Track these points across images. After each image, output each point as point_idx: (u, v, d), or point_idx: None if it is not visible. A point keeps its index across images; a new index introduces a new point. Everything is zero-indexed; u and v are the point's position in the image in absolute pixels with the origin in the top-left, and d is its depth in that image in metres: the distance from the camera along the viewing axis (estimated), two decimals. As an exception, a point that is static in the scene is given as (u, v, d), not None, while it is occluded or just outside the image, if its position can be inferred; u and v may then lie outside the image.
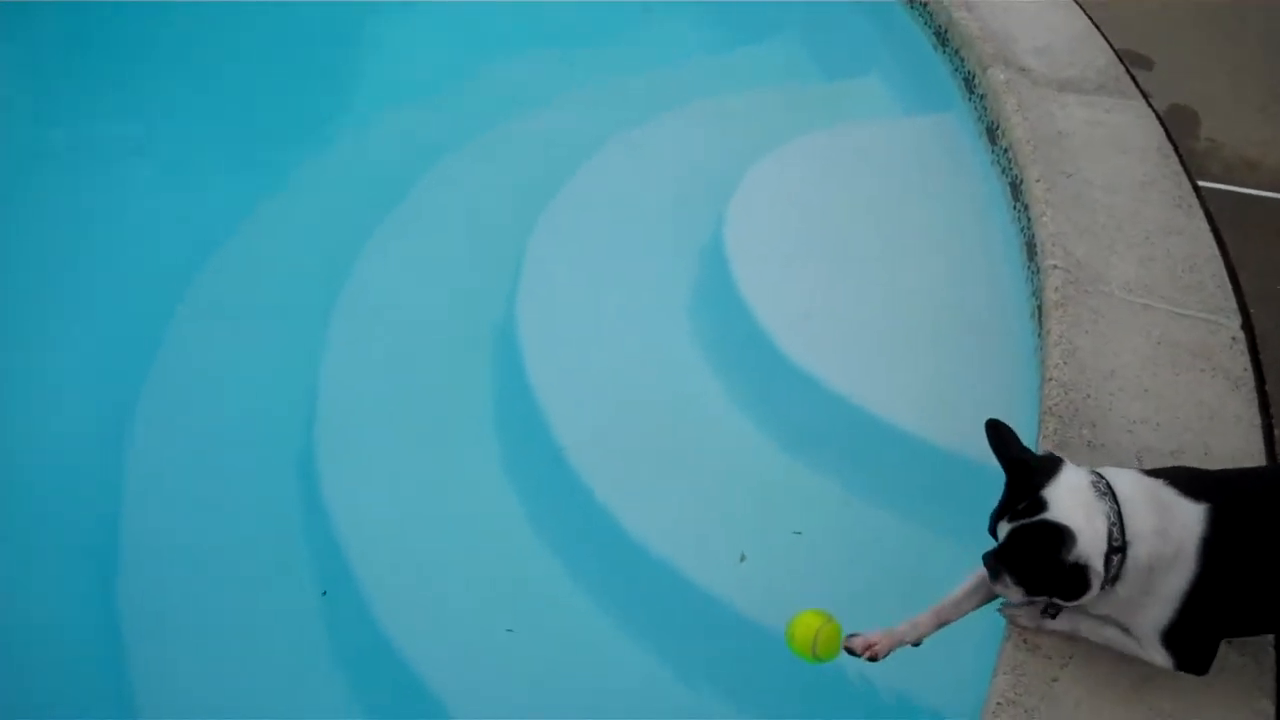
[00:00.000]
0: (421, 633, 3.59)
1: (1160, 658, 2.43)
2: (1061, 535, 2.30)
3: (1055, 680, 2.61)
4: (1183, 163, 4.59)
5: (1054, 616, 2.63)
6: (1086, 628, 2.56)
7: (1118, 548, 2.31)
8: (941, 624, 2.65)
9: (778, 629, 3.20)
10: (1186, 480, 2.42)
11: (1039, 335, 3.84)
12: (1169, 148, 4.67)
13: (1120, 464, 3.11)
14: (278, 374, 4.56)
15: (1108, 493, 2.36)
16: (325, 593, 3.76)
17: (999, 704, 2.55)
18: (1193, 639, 2.39)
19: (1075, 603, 2.43)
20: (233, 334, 4.74)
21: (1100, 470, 2.45)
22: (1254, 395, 3.47)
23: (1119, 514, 2.33)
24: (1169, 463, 3.17)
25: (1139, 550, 2.31)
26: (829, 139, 5.34)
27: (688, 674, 3.48)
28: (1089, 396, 3.40)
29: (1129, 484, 2.40)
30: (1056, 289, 3.81)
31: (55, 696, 3.46)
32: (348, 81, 6.55)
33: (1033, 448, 3.22)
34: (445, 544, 3.91)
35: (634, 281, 4.78)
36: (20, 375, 4.54)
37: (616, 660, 3.54)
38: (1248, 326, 3.75)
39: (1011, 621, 2.62)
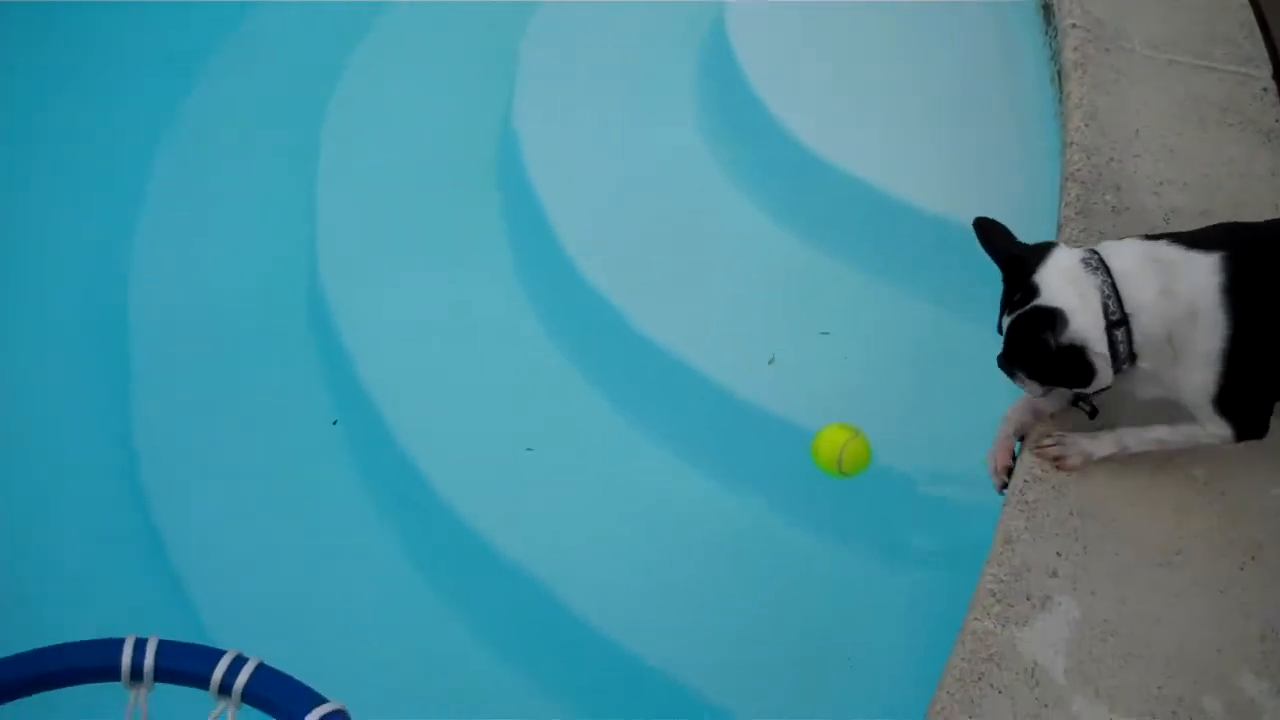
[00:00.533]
0: (440, 453, 3.52)
1: (1218, 430, 2.29)
2: (1052, 318, 2.21)
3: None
4: (1207, -93, 4.34)
5: (1090, 412, 2.53)
6: (1132, 439, 2.41)
7: (1117, 321, 2.21)
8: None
9: (808, 429, 3.17)
10: (1206, 234, 2.32)
11: (1059, 100, 3.66)
12: (1191, -109, 4.41)
13: (1150, 228, 3.00)
14: (274, 196, 4.45)
15: (1100, 267, 2.24)
16: (336, 422, 3.70)
17: (1026, 481, 2.48)
18: (1248, 398, 2.27)
19: (1091, 388, 2.31)
20: (223, 160, 4.61)
21: (1101, 246, 2.33)
22: (1287, 147, 3.32)
23: (1113, 286, 2.22)
24: (1198, 223, 3.02)
25: (1145, 319, 2.21)
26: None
27: (711, 468, 3.43)
28: (1112, 160, 3.25)
29: (1125, 253, 2.28)
30: (1075, 49, 3.63)
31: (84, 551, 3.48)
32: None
33: (1055, 215, 3.13)
34: (459, 359, 3.84)
35: (634, 76, 4.59)
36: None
37: (641, 465, 3.48)
38: (1278, 76, 3.56)
39: (1059, 462, 2.46)
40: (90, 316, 4.09)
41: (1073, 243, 2.95)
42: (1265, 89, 3.50)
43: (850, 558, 3.14)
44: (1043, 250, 2.34)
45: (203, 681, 1.71)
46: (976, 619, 2.27)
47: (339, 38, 5.03)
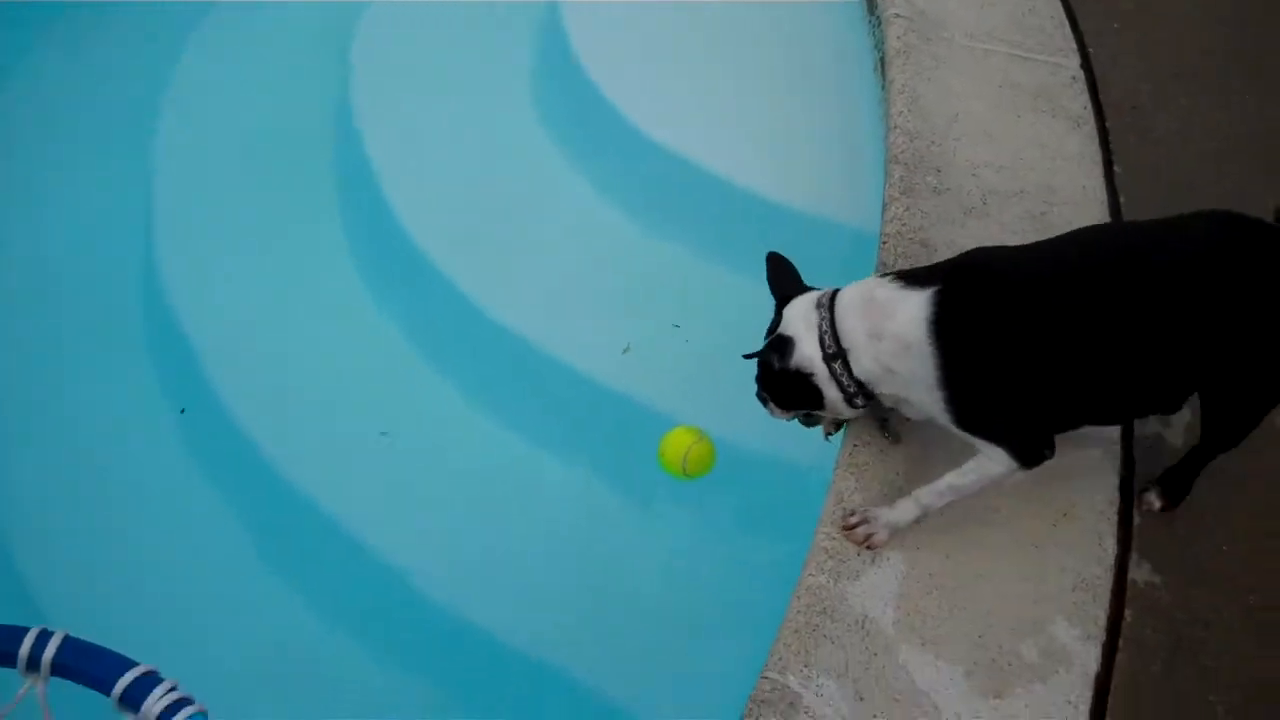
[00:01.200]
0: (288, 440, 3.46)
1: (997, 456, 2.28)
2: (781, 344, 2.39)
3: (908, 420, 2.64)
4: (1020, -94, 4.53)
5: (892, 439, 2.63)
6: (929, 497, 2.39)
7: (833, 354, 2.34)
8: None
9: (645, 404, 3.23)
10: (941, 266, 2.39)
11: (882, 86, 3.78)
12: (1005, -109, 4.60)
13: (967, 209, 3.15)
14: (108, 194, 4.29)
15: (827, 306, 2.37)
16: (183, 410, 3.60)
17: (855, 445, 2.59)
18: (996, 419, 2.29)
19: (822, 411, 2.48)
20: (56, 153, 4.46)
21: (844, 288, 2.42)
22: (1094, 133, 3.50)
23: (832, 323, 2.35)
24: (1013, 204, 3.19)
25: (860, 354, 2.32)
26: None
27: (553, 446, 3.45)
28: (933, 144, 3.38)
29: (849, 294, 2.38)
30: (899, 37, 3.76)
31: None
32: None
33: (880, 197, 3.25)
34: (303, 346, 3.77)
35: (470, 61, 4.59)
36: None
37: (486, 445, 3.48)
38: (1087, 66, 3.76)
39: (866, 542, 2.43)
40: None
41: (896, 220, 3.09)
42: (1074, 77, 3.68)
43: (694, 527, 3.20)
44: (801, 290, 2.50)
45: (10, 660, 1.67)
46: (811, 575, 2.36)
47: (175, 30, 4.92)
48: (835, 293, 2.40)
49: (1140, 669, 2.34)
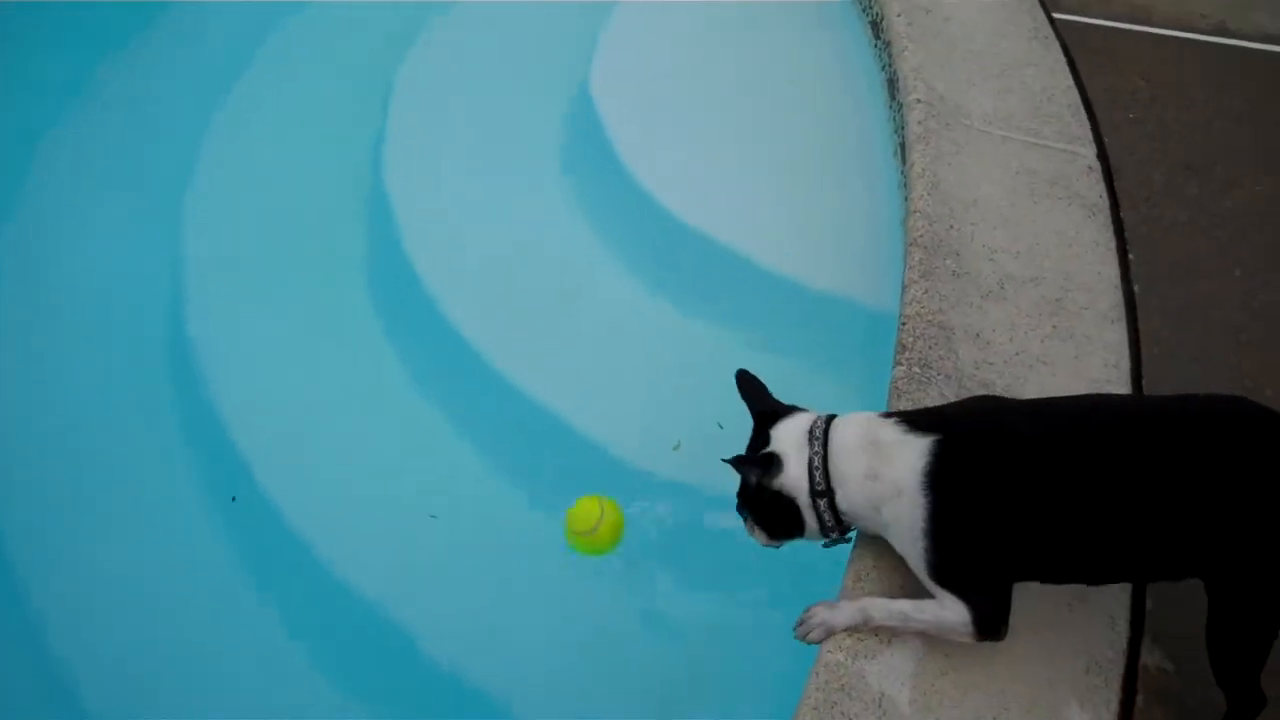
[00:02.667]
0: (323, 519, 3.52)
1: (956, 611, 2.27)
2: (769, 462, 2.39)
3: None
4: (1038, -4, 4.67)
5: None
6: (877, 611, 2.40)
7: (821, 491, 2.35)
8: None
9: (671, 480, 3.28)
10: (943, 412, 2.44)
11: (902, 170, 3.87)
12: (1025, -19, 4.72)
13: (984, 293, 3.22)
14: (139, 251, 4.40)
15: (820, 438, 2.38)
16: (234, 498, 3.61)
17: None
18: (968, 580, 2.28)
19: (805, 538, 2.48)
20: (89, 208, 4.56)
21: (839, 419, 2.43)
22: (1109, 221, 3.57)
23: (824, 460, 2.35)
24: (1029, 290, 3.26)
25: (850, 492, 2.34)
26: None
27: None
28: (952, 227, 3.46)
29: (848, 431, 2.38)
30: (919, 123, 3.85)
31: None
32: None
33: (900, 280, 3.32)
34: (327, 411, 3.86)
35: (501, 131, 4.71)
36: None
37: (511, 516, 3.53)
38: (1103, 155, 3.84)
39: (804, 639, 2.47)
40: None
41: (915, 302, 3.15)
42: (1090, 166, 3.77)
43: (709, 600, 3.24)
44: (787, 410, 2.52)
45: None
46: (829, 651, 2.40)
47: (210, 87, 5.03)
48: (829, 421, 2.41)
49: (1151, 753, 2.38)
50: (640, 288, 4.04)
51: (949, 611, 2.28)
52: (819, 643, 2.46)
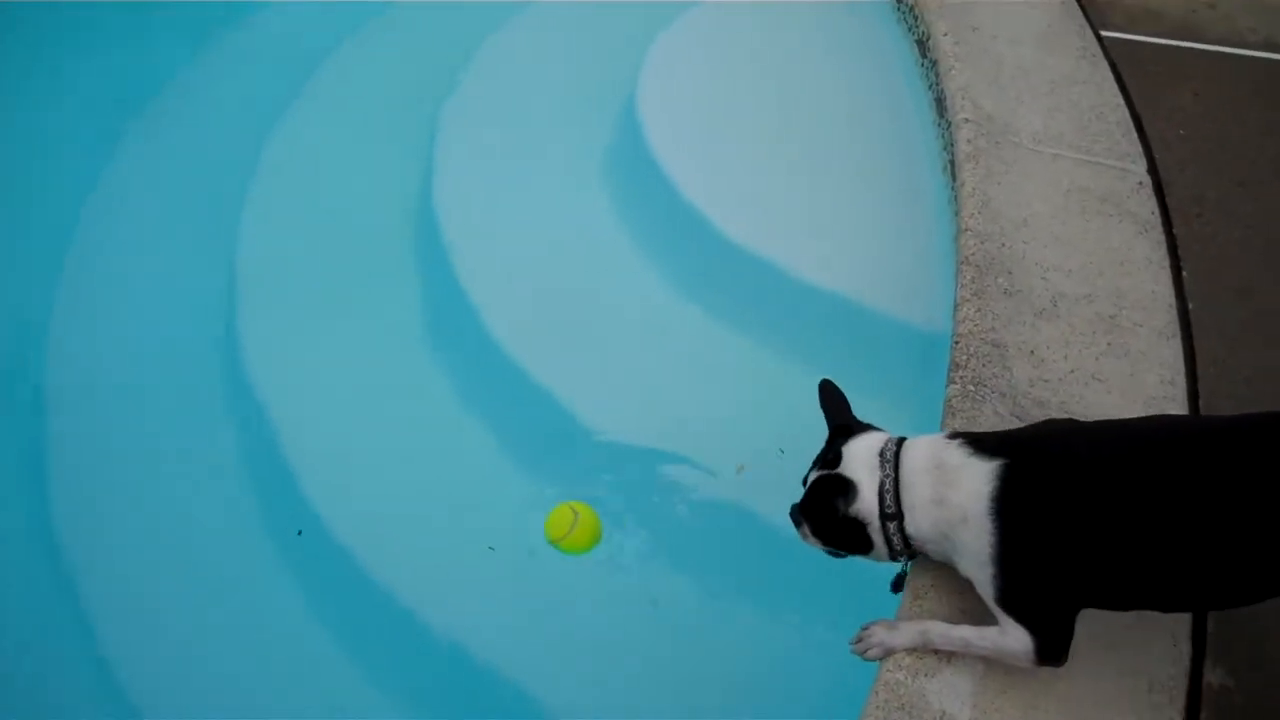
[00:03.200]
0: (366, 532, 3.57)
1: (1019, 636, 2.26)
2: (845, 487, 2.37)
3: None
4: (1086, 14, 4.65)
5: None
6: (938, 635, 2.42)
7: (891, 514, 2.34)
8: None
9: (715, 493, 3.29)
10: (1012, 436, 2.38)
11: (952, 188, 3.88)
12: (1072, 0, 4.72)
13: (1038, 310, 3.21)
14: (193, 273, 4.47)
15: (891, 460, 2.37)
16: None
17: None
18: (1034, 606, 2.26)
19: (869, 557, 2.47)
20: (144, 234, 4.64)
21: (909, 441, 2.42)
22: (1162, 237, 3.56)
23: (895, 483, 2.35)
24: (1082, 307, 3.25)
25: (919, 517, 2.33)
26: (732, 5, 5.29)
27: (630, 531, 3.53)
28: (1004, 245, 3.46)
29: (917, 454, 2.37)
30: (968, 141, 3.86)
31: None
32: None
33: (952, 298, 3.32)
34: (372, 423, 3.89)
35: (549, 147, 4.76)
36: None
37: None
38: (1153, 171, 3.83)
39: (862, 655, 2.50)
40: (6, 378, 4.08)
41: (968, 321, 3.15)
42: (1141, 183, 3.76)
43: (766, 617, 3.25)
44: (861, 428, 2.51)
45: None
46: (889, 671, 2.40)
47: (263, 113, 5.10)
48: (900, 444, 2.40)
49: (1216, 773, 2.36)
50: (691, 305, 4.08)
51: (1010, 639, 2.27)
52: (876, 660, 2.46)
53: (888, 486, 2.34)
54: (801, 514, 2.51)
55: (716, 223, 4.11)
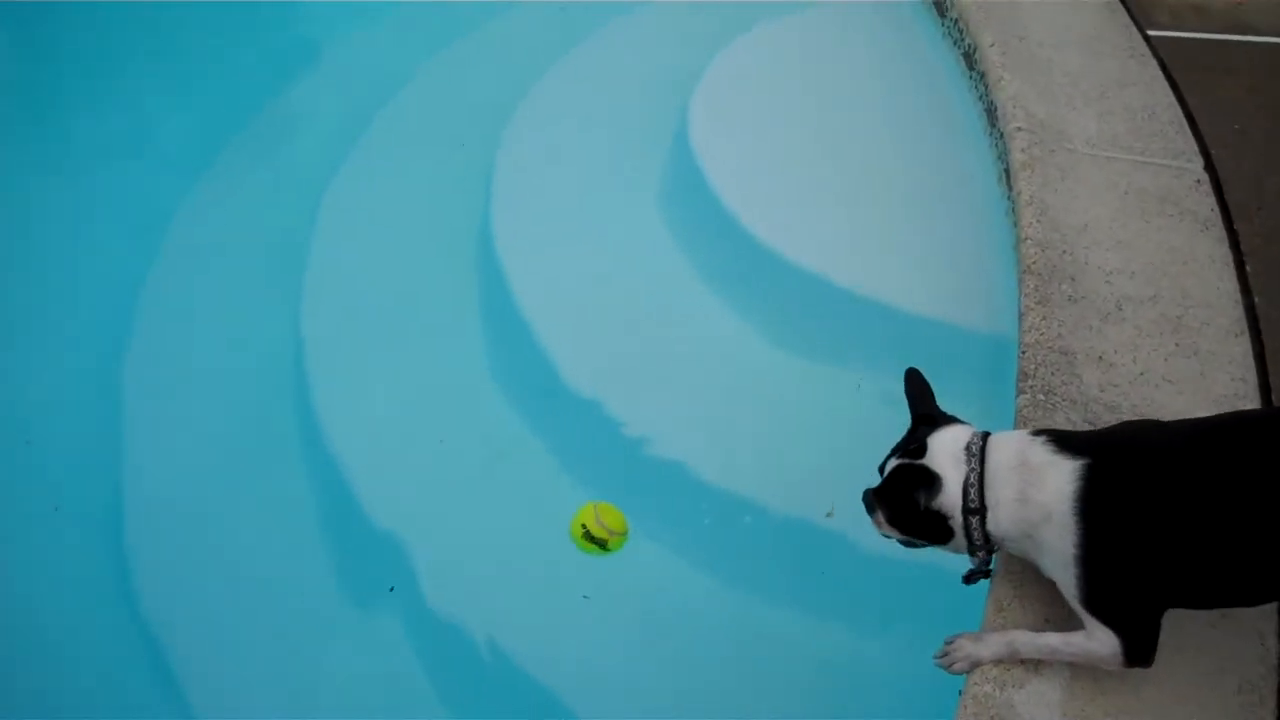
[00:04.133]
0: (425, 543, 3.64)
1: (1106, 640, 2.25)
2: (929, 481, 2.37)
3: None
4: (1131, 14, 4.65)
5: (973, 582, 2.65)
6: (1024, 644, 2.42)
7: (974, 509, 2.34)
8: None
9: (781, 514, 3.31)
10: (1097, 436, 2.38)
11: (1009, 197, 3.89)
12: (1116, 1, 4.71)
13: (1103, 315, 3.22)
14: (260, 314, 4.56)
15: (977, 455, 2.36)
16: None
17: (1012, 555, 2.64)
18: (1120, 607, 2.25)
19: (946, 549, 2.47)
20: (212, 276, 4.74)
21: (995, 435, 2.42)
22: (1223, 234, 3.55)
23: (980, 478, 2.34)
24: (1148, 309, 3.25)
25: (1002, 515, 2.32)
26: (783, 28, 5.35)
27: (696, 558, 3.55)
28: (1065, 252, 3.47)
29: (1003, 449, 2.36)
30: (1023, 150, 3.87)
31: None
32: (301, 14, 6.49)
33: (1015, 308, 3.33)
34: (436, 449, 3.96)
35: (605, 182, 4.82)
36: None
37: (629, 559, 3.59)
38: (1210, 168, 3.82)
39: (948, 669, 2.50)
40: (86, 410, 4.20)
41: (1033, 329, 3.16)
42: (1198, 180, 3.75)
43: (845, 637, 3.26)
44: (946, 420, 2.51)
45: None
46: (976, 684, 2.41)
47: (329, 141, 5.23)
48: (985, 439, 2.40)
49: (1311, 771, 2.35)
50: (754, 331, 4.10)
51: (1097, 642, 2.27)
52: (962, 674, 2.47)
53: (972, 481, 2.34)
54: (878, 501, 2.50)
55: (774, 246, 4.14)
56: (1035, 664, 2.43)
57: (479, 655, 3.38)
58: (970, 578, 2.62)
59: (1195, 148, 3.91)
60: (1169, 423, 2.43)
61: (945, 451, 2.40)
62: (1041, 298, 3.29)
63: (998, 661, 2.45)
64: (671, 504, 3.67)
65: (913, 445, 2.46)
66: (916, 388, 2.62)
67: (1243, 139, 4.01)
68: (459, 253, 4.70)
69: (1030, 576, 2.53)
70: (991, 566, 2.60)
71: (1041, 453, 2.30)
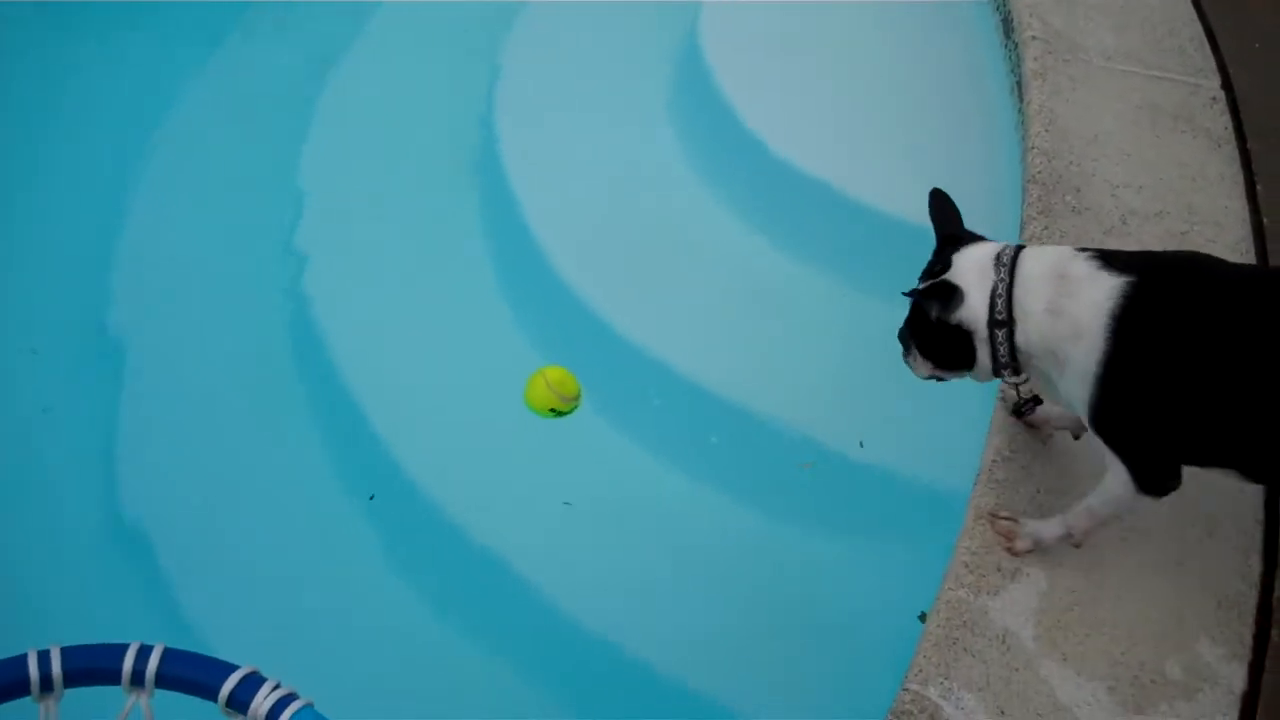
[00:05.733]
0: (423, 452, 3.54)
1: (1119, 474, 2.20)
2: (949, 293, 2.25)
3: (1050, 436, 2.66)
4: (1157, -73, 4.52)
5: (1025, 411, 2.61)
6: (1074, 519, 2.37)
7: (1000, 321, 2.21)
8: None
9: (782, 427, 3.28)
10: (1147, 257, 2.21)
11: (1019, 109, 3.80)
12: (1143, -88, 4.59)
13: (1107, 229, 3.15)
14: (259, 203, 4.45)
15: (1007, 265, 2.23)
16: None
17: (995, 460, 2.60)
18: (1133, 434, 2.17)
19: (971, 374, 2.38)
20: (205, 181, 4.61)
21: (1029, 248, 2.29)
22: (1235, 154, 3.47)
23: (1009, 288, 2.21)
24: (1153, 225, 3.19)
25: (1030, 327, 2.20)
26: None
27: (688, 467, 3.49)
28: (1071, 163, 3.39)
29: (1039, 260, 2.23)
30: (1036, 59, 3.77)
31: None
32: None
33: (1018, 217, 3.26)
34: (437, 358, 3.86)
35: (612, 88, 4.68)
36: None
37: (621, 465, 3.52)
38: (1227, 86, 3.73)
39: (1011, 549, 2.44)
40: (74, 330, 4.06)
41: (1034, 239, 3.10)
42: (1214, 98, 3.66)
43: (823, 543, 3.22)
44: (973, 238, 2.38)
45: (115, 676, 1.73)
46: (951, 589, 2.38)
47: (329, 53, 5.11)
48: (1018, 251, 2.26)
49: (1288, 688, 2.32)
50: (758, 236, 4.00)
51: (1112, 476, 2.22)
52: (1022, 553, 2.44)
53: (1000, 291, 2.21)
54: (907, 329, 2.42)
55: (782, 152, 4.03)
56: (1011, 571, 2.40)
57: (460, 547, 3.35)
58: (1019, 411, 2.57)
59: (1213, 65, 3.82)
60: (1231, 263, 2.28)
61: (971, 264, 2.27)
62: (1044, 208, 3.22)
63: (1057, 541, 2.41)
64: (676, 415, 3.63)
65: (938, 266, 2.34)
66: (941, 208, 2.49)
67: (1262, 58, 3.91)
68: (463, 149, 4.59)
69: (1010, 487, 2.51)
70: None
71: (1084, 266, 2.16)
